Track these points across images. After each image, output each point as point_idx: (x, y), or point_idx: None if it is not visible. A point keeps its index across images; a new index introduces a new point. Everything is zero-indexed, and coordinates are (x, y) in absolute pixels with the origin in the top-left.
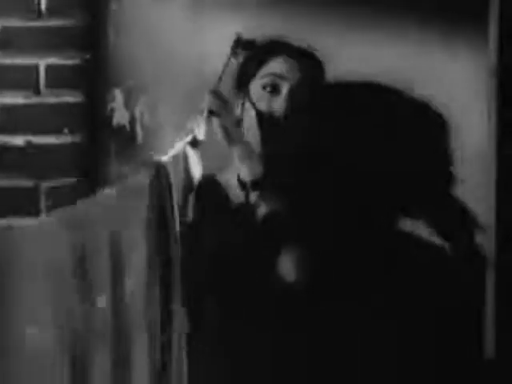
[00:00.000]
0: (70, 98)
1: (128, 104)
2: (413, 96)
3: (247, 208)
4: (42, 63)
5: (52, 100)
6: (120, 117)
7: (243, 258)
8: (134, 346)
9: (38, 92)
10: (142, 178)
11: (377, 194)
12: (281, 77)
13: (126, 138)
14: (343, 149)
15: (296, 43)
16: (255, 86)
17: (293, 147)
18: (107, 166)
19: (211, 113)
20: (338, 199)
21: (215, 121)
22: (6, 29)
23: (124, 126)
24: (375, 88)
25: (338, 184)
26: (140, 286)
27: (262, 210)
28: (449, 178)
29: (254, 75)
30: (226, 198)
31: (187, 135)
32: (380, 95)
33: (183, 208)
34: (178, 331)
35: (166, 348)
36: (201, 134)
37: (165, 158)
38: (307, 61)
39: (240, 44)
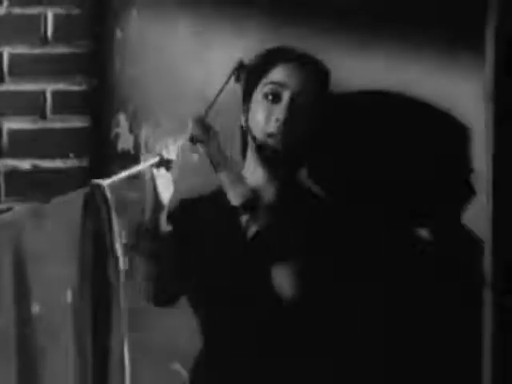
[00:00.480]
0: (76, 123)
1: (132, 129)
2: (433, 105)
3: (237, 229)
4: (49, 89)
5: (58, 125)
6: (125, 141)
7: (235, 277)
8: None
9: (44, 117)
10: (76, 199)
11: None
12: (281, 84)
13: (131, 162)
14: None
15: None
16: (256, 96)
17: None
18: None
19: (195, 140)
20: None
21: (200, 148)
22: (14, 56)
23: (128, 151)
24: (392, 97)
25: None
26: (61, 305)
27: (253, 229)
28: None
29: (256, 85)
30: (216, 217)
31: (154, 157)
32: (397, 103)
33: (154, 228)
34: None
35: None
36: (172, 155)
37: (105, 182)
38: (311, 68)
39: (242, 69)
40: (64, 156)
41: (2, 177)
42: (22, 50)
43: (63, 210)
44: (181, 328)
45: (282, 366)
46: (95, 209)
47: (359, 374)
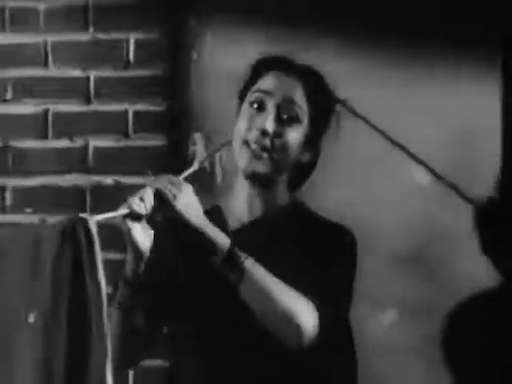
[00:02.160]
0: (155, 141)
1: (208, 147)
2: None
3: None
4: (131, 110)
5: (139, 143)
6: (201, 159)
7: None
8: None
9: (127, 136)
10: (53, 227)
11: None
12: (267, 92)
13: (207, 179)
14: None
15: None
16: (244, 106)
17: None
18: None
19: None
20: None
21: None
22: (99, 79)
23: (204, 168)
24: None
25: None
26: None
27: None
28: None
29: (245, 95)
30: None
31: (124, 209)
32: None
33: (134, 280)
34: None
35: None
36: (142, 208)
37: (91, 217)
38: (302, 77)
39: None
40: (144, 172)
41: (88, 191)
42: (106, 73)
43: (31, 234)
44: None
45: None
46: (75, 237)
47: None
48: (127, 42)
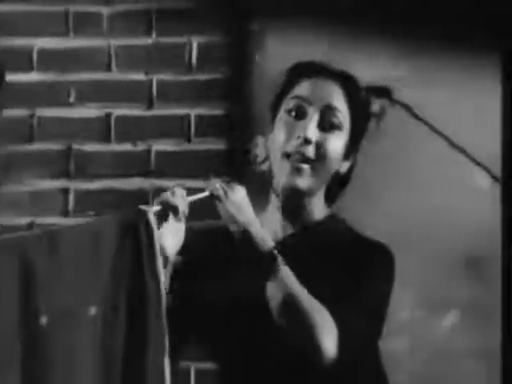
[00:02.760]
0: (217, 145)
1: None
2: None
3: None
4: (193, 113)
5: (200, 147)
6: (261, 163)
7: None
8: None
9: (188, 140)
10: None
11: None
12: (305, 99)
13: (266, 183)
14: None
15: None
16: (279, 114)
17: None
18: None
19: (212, 197)
20: None
21: (218, 205)
22: (161, 83)
23: (264, 172)
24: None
25: None
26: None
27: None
28: None
29: (280, 103)
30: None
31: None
32: None
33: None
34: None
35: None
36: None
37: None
38: (339, 83)
39: (372, 92)
40: (205, 176)
41: (150, 195)
42: (168, 77)
43: (91, 230)
44: None
45: None
46: (135, 230)
47: None
48: (189, 45)
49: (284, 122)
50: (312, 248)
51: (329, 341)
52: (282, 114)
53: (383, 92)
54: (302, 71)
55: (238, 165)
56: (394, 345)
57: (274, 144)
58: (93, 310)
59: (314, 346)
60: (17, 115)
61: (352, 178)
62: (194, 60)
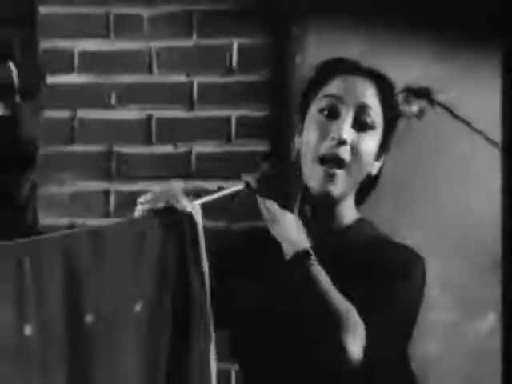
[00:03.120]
0: (257, 146)
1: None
2: None
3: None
4: (234, 115)
5: (241, 148)
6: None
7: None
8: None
9: (229, 141)
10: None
11: None
12: (339, 98)
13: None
14: None
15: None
16: (310, 113)
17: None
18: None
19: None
20: None
21: (259, 200)
22: (202, 84)
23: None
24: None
25: None
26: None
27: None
28: None
29: (311, 101)
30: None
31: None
32: None
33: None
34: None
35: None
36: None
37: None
38: (372, 82)
39: (411, 93)
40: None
41: (191, 196)
42: (209, 78)
43: (137, 227)
44: None
45: None
46: (179, 227)
47: None
48: (230, 47)
49: (316, 122)
50: (342, 252)
51: (355, 342)
52: (313, 114)
53: (423, 93)
54: (332, 69)
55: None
56: (428, 348)
57: (307, 145)
58: (138, 308)
59: (340, 347)
60: (58, 117)
61: (382, 178)
62: (234, 62)
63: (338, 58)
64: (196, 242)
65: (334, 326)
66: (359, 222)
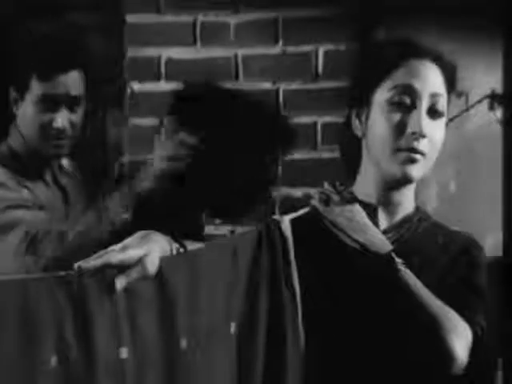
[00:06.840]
0: None
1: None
2: None
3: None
4: (320, 121)
5: (327, 155)
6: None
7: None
8: None
9: (315, 148)
10: (249, 234)
11: None
12: (411, 89)
13: None
14: None
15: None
16: (377, 104)
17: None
18: None
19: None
20: None
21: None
22: (288, 91)
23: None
24: None
25: None
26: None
27: None
28: None
29: (375, 89)
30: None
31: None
32: None
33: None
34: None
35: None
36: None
37: (284, 217)
38: (439, 66)
39: (495, 98)
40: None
41: (277, 203)
42: (295, 85)
43: (228, 246)
44: None
45: None
46: (270, 240)
47: None
48: (316, 54)
49: (388, 114)
50: (411, 240)
51: (460, 346)
52: (382, 105)
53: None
54: (397, 54)
55: None
56: None
57: (380, 140)
58: (233, 327)
59: (445, 352)
60: (145, 124)
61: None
62: (320, 68)
63: (402, 40)
64: (286, 252)
65: (439, 327)
66: (417, 210)
